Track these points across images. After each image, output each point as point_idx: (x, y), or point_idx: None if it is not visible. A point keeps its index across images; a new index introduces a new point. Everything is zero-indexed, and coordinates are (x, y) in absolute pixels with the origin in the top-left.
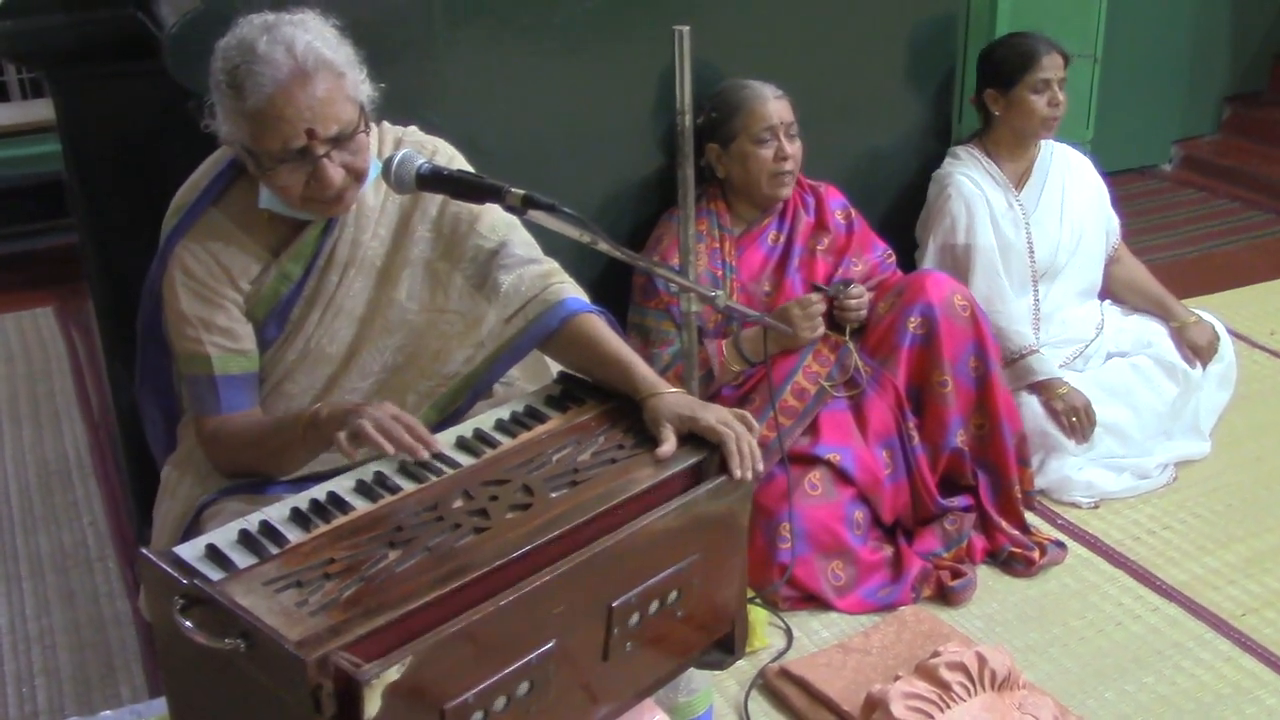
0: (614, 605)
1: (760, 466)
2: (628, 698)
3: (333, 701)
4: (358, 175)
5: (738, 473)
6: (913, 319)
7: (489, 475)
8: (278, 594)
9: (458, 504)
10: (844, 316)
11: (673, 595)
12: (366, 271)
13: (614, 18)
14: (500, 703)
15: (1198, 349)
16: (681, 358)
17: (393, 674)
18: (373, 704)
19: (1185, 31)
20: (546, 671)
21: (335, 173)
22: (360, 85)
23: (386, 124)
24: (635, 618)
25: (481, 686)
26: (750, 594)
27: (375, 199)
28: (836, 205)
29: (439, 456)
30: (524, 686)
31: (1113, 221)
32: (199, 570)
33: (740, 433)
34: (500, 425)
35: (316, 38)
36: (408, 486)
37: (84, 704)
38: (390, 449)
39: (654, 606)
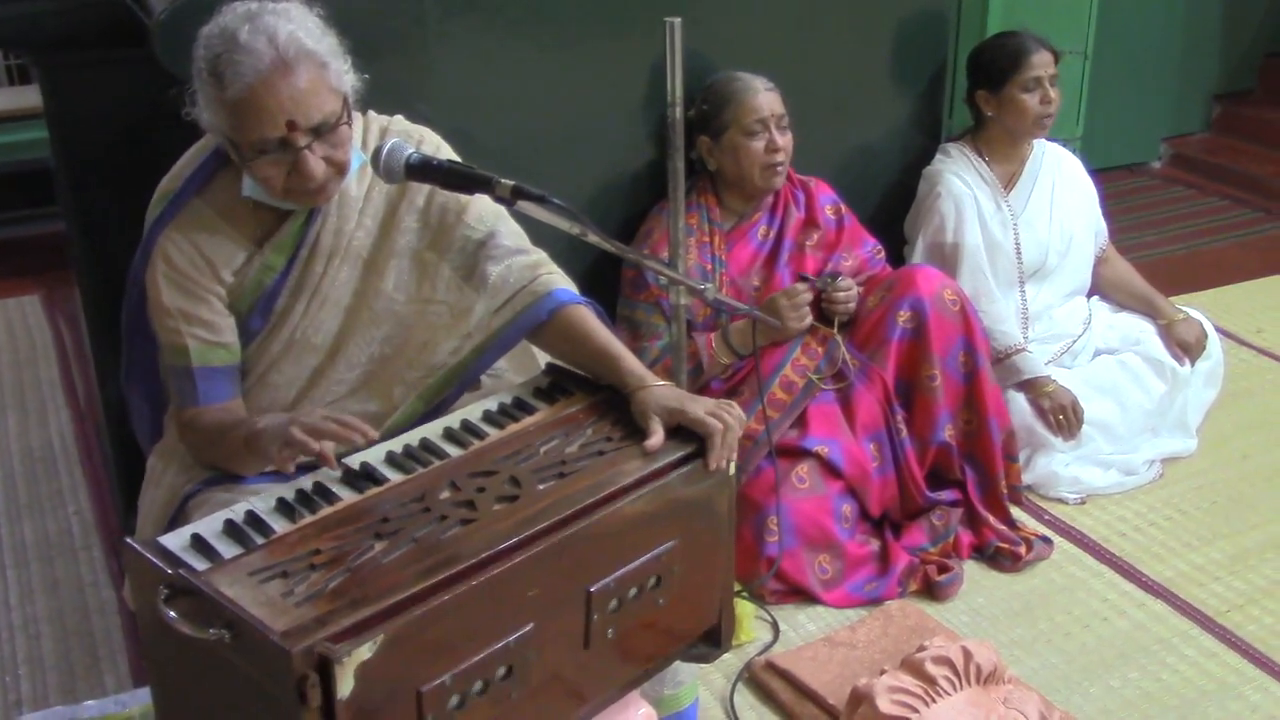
0: (592, 590)
1: (734, 458)
2: (613, 690)
3: (318, 692)
4: (339, 168)
5: (713, 463)
6: (903, 313)
7: (476, 466)
8: (263, 584)
9: (444, 495)
10: (832, 309)
11: (652, 582)
12: (352, 261)
13: (605, 9)
14: (478, 687)
15: (1186, 346)
16: (670, 351)
17: (364, 652)
18: (345, 683)
19: (1175, 29)
20: (525, 656)
21: (316, 165)
22: (344, 76)
23: (372, 113)
24: (614, 603)
25: (458, 669)
26: (737, 587)
27: (359, 188)
28: (826, 201)
29: (426, 445)
30: (502, 671)
31: (1102, 223)
32: (184, 560)
33: (729, 424)
34: (488, 417)
35: (299, 28)
36: (394, 478)
37: (68, 693)
38: (316, 448)
39: (633, 593)
